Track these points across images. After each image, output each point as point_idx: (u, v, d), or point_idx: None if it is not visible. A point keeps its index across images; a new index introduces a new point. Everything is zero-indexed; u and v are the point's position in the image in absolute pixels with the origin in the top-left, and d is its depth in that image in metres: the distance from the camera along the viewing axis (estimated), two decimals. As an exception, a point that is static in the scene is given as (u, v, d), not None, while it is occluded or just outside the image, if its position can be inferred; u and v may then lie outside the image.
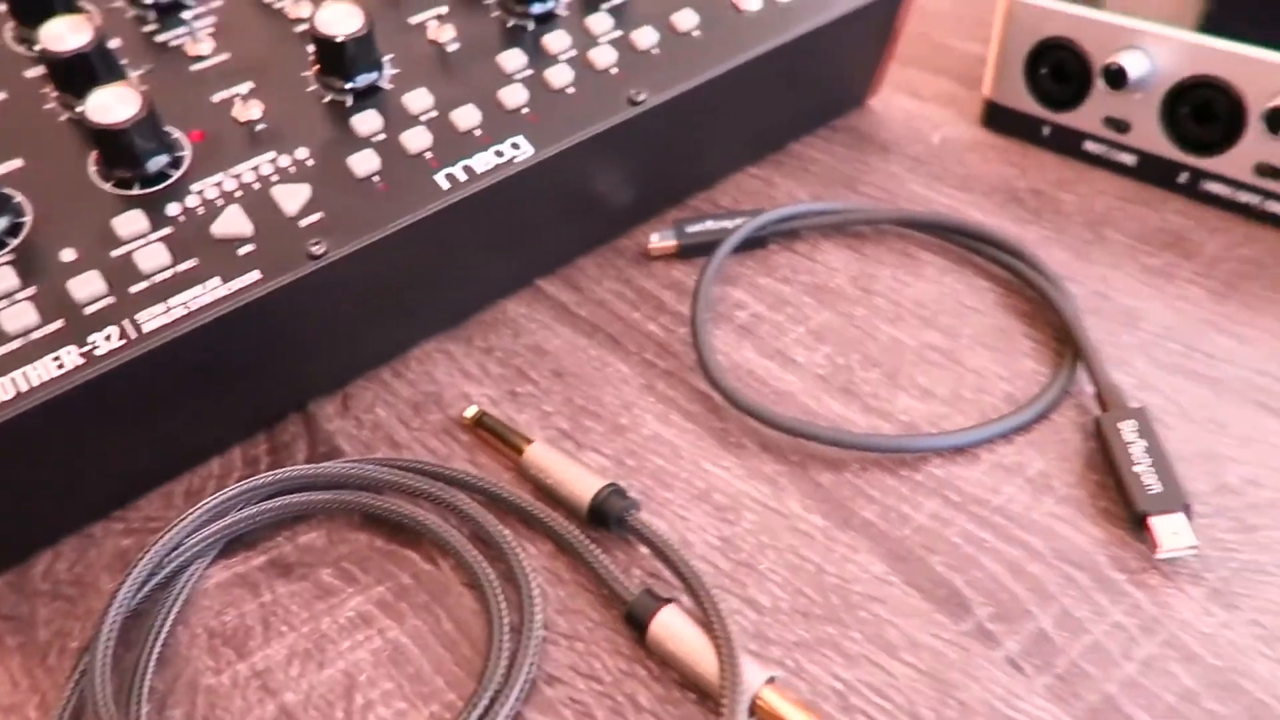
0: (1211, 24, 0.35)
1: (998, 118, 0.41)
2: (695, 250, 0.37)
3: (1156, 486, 0.26)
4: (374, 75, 0.33)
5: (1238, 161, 0.35)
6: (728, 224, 0.37)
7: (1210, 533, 0.26)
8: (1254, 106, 0.33)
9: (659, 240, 0.37)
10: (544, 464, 0.29)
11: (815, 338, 0.33)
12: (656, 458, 0.30)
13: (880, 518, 0.28)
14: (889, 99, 0.45)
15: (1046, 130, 0.40)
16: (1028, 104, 0.40)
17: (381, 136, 0.32)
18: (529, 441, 0.30)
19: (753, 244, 0.37)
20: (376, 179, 0.31)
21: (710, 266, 0.35)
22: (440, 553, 0.28)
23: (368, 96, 0.33)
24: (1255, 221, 0.35)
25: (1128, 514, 0.26)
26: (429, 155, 0.32)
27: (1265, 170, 0.34)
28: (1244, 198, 0.35)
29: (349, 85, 0.32)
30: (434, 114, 0.32)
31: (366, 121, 0.32)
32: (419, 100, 0.32)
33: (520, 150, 0.32)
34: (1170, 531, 0.25)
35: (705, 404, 0.32)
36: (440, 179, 0.31)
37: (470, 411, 0.32)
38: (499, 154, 0.32)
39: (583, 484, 0.28)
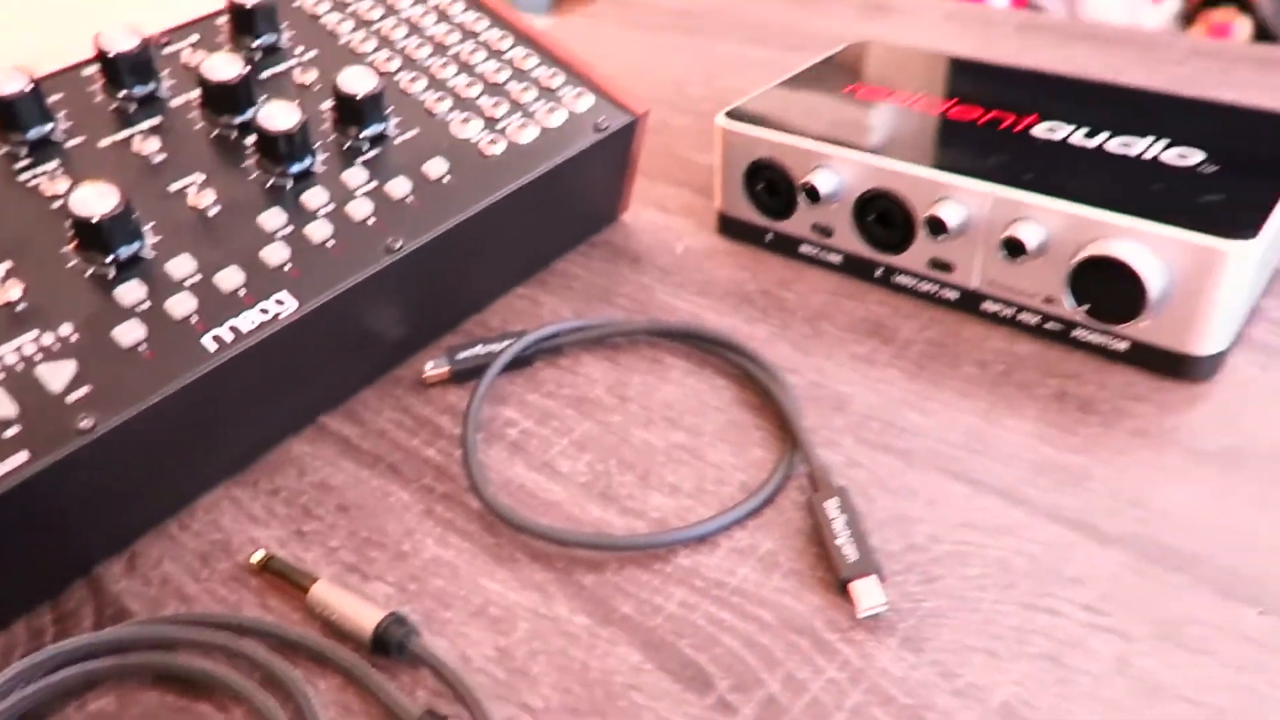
0: (882, 146, 0.41)
1: (729, 227, 0.47)
2: (468, 374, 0.40)
3: (854, 555, 0.31)
4: (135, 246, 0.34)
5: (916, 257, 0.41)
6: (495, 347, 0.41)
7: (903, 587, 0.31)
8: (919, 213, 0.40)
9: (433, 368, 0.40)
10: (327, 601, 0.31)
11: (578, 448, 0.37)
12: (437, 580, 0.33)
13: (636, 610, 0.31)
14: (639, 213, 0.50)
15: (769, 237, 0.45)
16: (751, 215, 0.46)
17: (146, 305, 0.33)
18: (314, 580, 0.32)
19: (521, 363, 0.41)
20: (143, 348, 0.32)
21: (478, 391, 0.38)
22: (233, 701, 0.30)
23: (130, 267, 0.34)
24: (937, 306, 0.42)
25: (836, 580, 0.31)
26: (194, 319, 0.33)
27: (937, 264, 0.41)
28: (925, 287, 0.42)
29: (110, 259, 0.34)
30: (198, 278, 0.34)
31: (130, 292, 0.33)
32: (182, 266, 0.34)
33: (285, 305, 0.35)
34: (866, 593, 0.30)
35: (480, 522, 0.35)
36: (207, 341, 0.33)
37: (257, 556, 0.33)
38: (264, 311, 0.34)
39: (364, 616, 0.30)
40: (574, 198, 0.45)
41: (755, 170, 0.44)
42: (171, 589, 0.33)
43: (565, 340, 0.41)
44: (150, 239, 0.35)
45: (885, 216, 0.41)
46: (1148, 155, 0.39)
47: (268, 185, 0.38)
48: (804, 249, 0.45)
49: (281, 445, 0.38)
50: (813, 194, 0.42)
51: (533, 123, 0.42)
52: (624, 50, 0.67)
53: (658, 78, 0.63)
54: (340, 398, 0.40)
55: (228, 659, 0.30)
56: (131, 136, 0.38)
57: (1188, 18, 1.73)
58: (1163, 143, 0.40)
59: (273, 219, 0.36)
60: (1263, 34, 1.65)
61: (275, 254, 0.36)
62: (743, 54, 0.65)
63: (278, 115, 0.37)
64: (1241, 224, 0.35)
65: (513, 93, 0.43)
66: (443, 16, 0.46)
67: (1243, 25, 1.66)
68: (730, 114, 0.45)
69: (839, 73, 0.49)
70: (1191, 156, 0.39)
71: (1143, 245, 0.35)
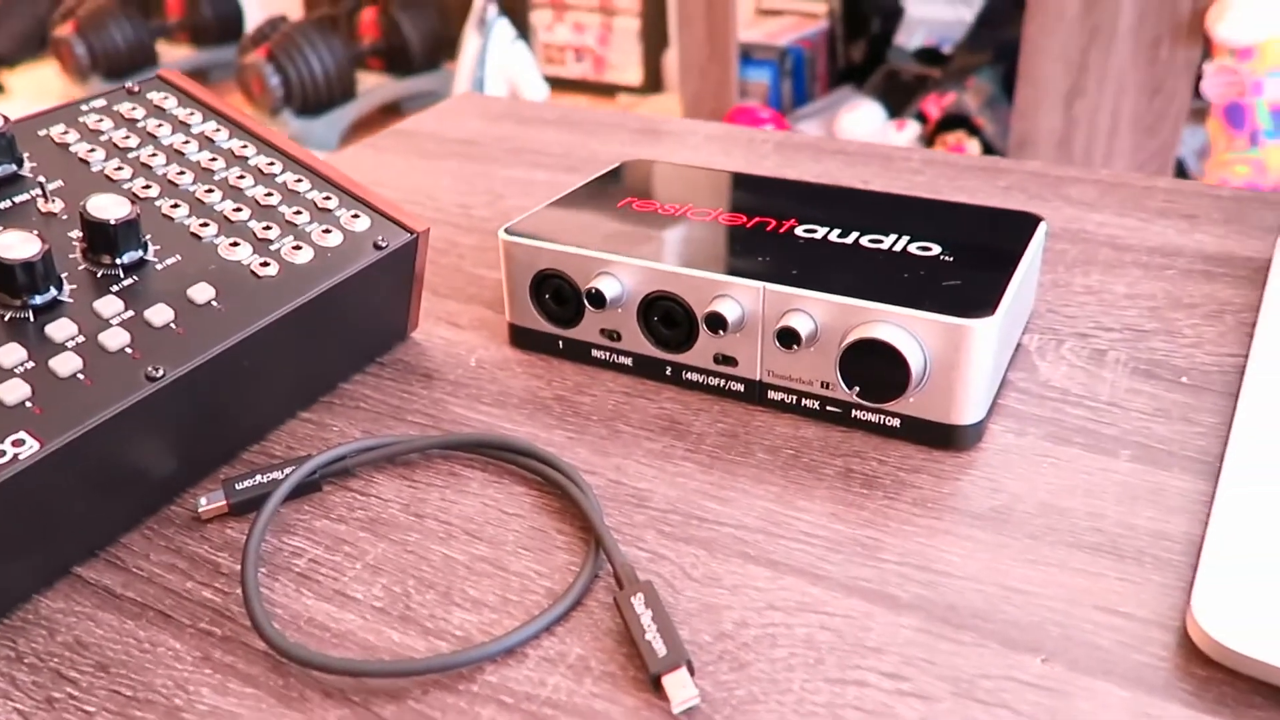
0: (659, 252, 0.43)
1: (521, 337, 0.47)
2: (248, 506, 0.38)
3: (663, 649, 0.30)
4: None
5: (702, 354, 0.43)
6: (277, 475, 0.38)
7: (715, 676, 0.31)
8: (699, 312, 0.42)
9: (208, 503, 0.37)
10: (82, 777, 0.27)
11: (372, 571, 0.35)
12: (215, 735, 0.29)
13: (442, 738, 0.29)
14: (431, 330, 0.49)
15: (561, 344, 0.46)
16: (541, 324, 0.46)
17: None
18: (65, 755, 0.28)
19: (308, 489, 0.39)
20: None
21: (258, 522, 0.36)
22: None
23: None
24: (726, 399, 0.43)
25: (649, 677, 0.30)
26: (-86, 469, 0.30)
27: (720, 359, 0.42)
28: (713, 381, 0.43)
29: None
30: (-81, 423, 0.31)
31: None
32: (-101, 411, 0.31)
33: (25, 446, 0.31)
34: (679, 686, 0.29)
35: (265, 663, 0.32)
36: (-71, 493, 0.29)
37: (-6, 737, 0.29)
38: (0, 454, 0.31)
39: (127, 788, 0.27)
40: (358, 317, 0.44)
41: (541, 280, 0.45)
42: (-118, 791, 0.28)
43: (355, 461, 0.40)
44: None
45: (669, 317, 0.43)
46: (896, 249, 0.43)
47: (6, 319, 0.34)
48: (595, 354, 0.45)
49: (29, 604, 0.34)
50: (597, 300, 0.43)
51: (307, 244, 0.41)
52: (409, 176, 0.68)
53: (444, 201, 0.64)
54: (99, 544, 0.36)
55: None
56: None
57: (927, 141, 1.95)
58: (906, 238, 0.44)
59: (10, 355, 0.33)
60: (989, 152, 1.88)
61: (13, 391, 0.32)
62: (525, 176, 0.67)
63: (14, 245, 0.34)
64: (981, 303, 0.38)
65: (285, 215, 0.42)
66: (206, 143, 0.45)
67: (973, 145, 1.88)
68: (511, 229, 0.46)
69: (614, 188, 0.51)
70: (932, 249, 0.43)
71: (900, 327, 0.38)
